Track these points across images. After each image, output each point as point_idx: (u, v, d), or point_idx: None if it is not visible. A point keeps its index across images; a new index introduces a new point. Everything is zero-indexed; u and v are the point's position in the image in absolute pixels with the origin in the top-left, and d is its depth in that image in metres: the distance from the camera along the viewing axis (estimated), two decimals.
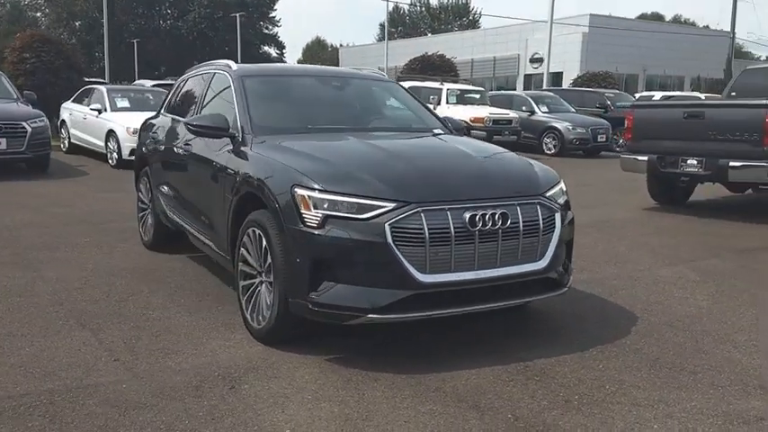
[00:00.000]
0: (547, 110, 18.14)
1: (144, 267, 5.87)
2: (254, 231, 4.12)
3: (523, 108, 18.17)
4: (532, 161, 4.53)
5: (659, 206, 9.54)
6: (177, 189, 5.71)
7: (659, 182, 9.39)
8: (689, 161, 8.55)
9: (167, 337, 4.21)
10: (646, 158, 8.94)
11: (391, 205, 3.62)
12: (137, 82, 23.68)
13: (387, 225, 3.58)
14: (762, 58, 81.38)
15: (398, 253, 3.58)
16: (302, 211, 3.72)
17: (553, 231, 4.04)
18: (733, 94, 10.32)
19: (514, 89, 39.43)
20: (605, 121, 17.75)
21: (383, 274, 3.63)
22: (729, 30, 45.81)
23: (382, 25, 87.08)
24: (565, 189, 4.33)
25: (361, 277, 3.65)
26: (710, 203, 10.07)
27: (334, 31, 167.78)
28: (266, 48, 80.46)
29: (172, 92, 6.70)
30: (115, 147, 12.53)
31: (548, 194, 4.11)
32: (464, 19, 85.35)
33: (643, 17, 74.19)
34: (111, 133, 12.67)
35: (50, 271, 5.66)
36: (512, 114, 17.27)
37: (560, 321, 4.51)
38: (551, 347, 4.04)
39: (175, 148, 5.69)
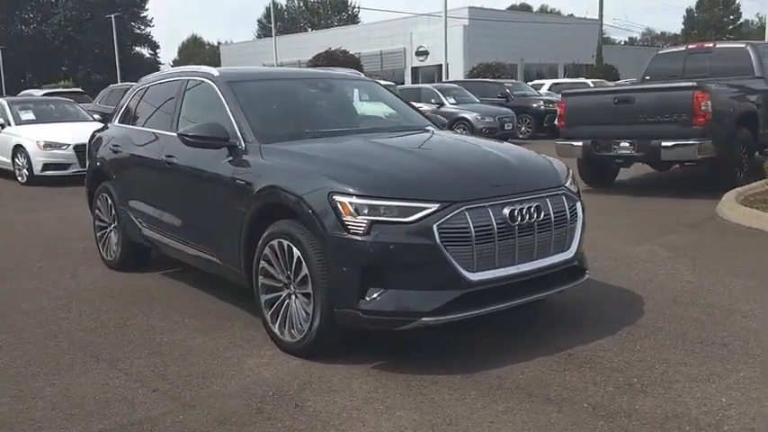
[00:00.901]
0: (454, 101, 18.56)
1: (121, 289, 5.54)
2: (280, 243, 3.98)
3: (432, 100, 18.48)
4: (540, 153, 4.64)
5: (591, 188, 9.99)
6: (157, 204, 5.40)
7: (592, 165, 9.84)
8: (622, 144, 9.02)
9: (195, 361, 4.00)
10: (581, 144, 9.34)
11: (435, 206, 3.61)
12: (24, 92, 22.04)
13: (435, 226, 3.56)
14: (621, 43, 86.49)
15: (447, 253, 3.58)
16: (345, 219, 3.63)
17: (576, 220, 4.16)
18: (647, 78, 10.97)
19: (402, 83, 40.02)
20: (510, 110, 18.38)
21: (433, 276, 3.62)
22: (597, 17, 48.53)
23: (260, 21, 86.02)
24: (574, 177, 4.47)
25: (411, 281, 3.62)
26: (634, 182, 10.67)
27: (210, 29, 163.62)
28: (139, 48, 77.42)
29: (125, 102, 6.32)
30: (25, 162, 11.68)
31: (567, 184, 4.23)
32: (343, 14, 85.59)
33: (513, 8, 77.26)
34: (18, 148, 11.79)
35: (22, 302, 5.22)
36: (424, 107, 17.52)
37: (577, 307, 4.65)
38: (582, 334, 4.16)
39: (152, 161, 5.38)
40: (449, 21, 46.51)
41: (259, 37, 78.29)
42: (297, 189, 3.89)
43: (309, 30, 74.76)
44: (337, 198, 3.68)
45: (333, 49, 31.31)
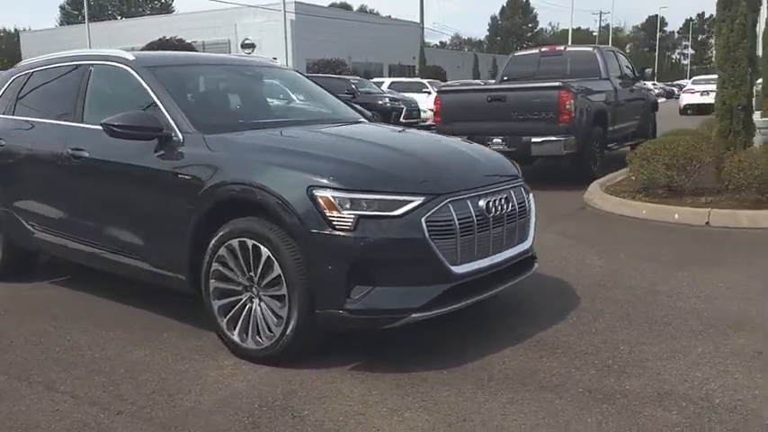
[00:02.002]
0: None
1: (11, 301, 4.85)
2: (242, 243, 3.69)
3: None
4: None
5: None
6: (58, 203, 4.78)
7: None
8: (495, 140, 9.41)
9: (148, 377, 3.60)
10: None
11: (421, 199, 3.52)
12: None
13: (423, 220, 3.48)
14: (435, 46, 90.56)
15: (435, 247, 3.51)
16: (328, 214, 3.44)
17: (531, 211, 4.27)
18: (505, 78, 11.55)
19: None
20: (362, 108, 18.50)
21: (421, 271, 3.54)
22: (419, 20, 50.46)
23: (63, 8, 79.60)
24: None
25: (399, 277, 3.51)
26: None
27: (4, 15, 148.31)
28: None
29: (2, 91, 5.52)
30: None
31: (520, 177, 4.33)
32: (156, 2, 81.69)
33: (333, 6, 78.17)
34: None
35: None
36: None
37: (519, 296, 4.76)
38: (535, 321, 4.28)
39: (50, 156, 4.75)
40: (275, 14, 46.04)
41: (62, 24, 72.44)
42: (267, 183, 3.60)
43: (119, 18, 70.54)
44: (318, 192, 3.47)
45: (168, 37, 29.70)
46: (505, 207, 3.91)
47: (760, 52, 11.35)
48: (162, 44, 28.84)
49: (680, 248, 6.08)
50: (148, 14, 68.79)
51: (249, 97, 5.07)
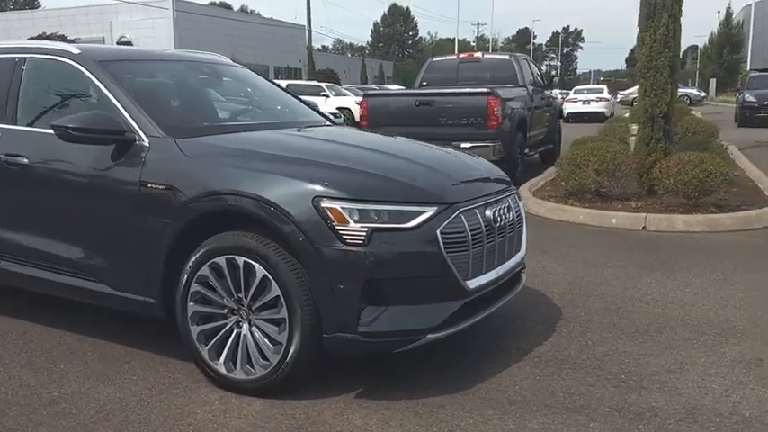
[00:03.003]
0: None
1: None
2: (231, 261, 3.28)
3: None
4: None
5: None
6: None
7: None
8: None
9: (128, 418, 3.13)
10: None
11: (434, 209, 3.26)
12: None
13: (438, 232, 3.21)
14: (319, 48, 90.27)
15: (450, 261, 3.26)
16: (338, 227, 3.10)
17: (524, 219, 4.10)
18: (424, 84, 11.46)
19: None
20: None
21: (436, 288, 3.28)
22: (304, 23, 49.96)
23: None
24: None
25: (413, 295, 3.23)
26: None
27: None
28: None
29: None
30: None
31: (513, 185, 4.16)
32: None
33: (213, 5, 76.09)
34: None
35: None
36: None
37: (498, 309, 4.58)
38: (526, 335, 4.13)
39: None
40: (153, 11, 44.16)
41: None
42: (263, 194, 3.21)
43: None
44: (325, 204, 3.13)
45: (48, 33, 27.58)
46: (507, 216, 3.72)
47: None
48: (41, 39, 26.69)
49: (630, 254, 6.14)
50: (11, 9, 64.23)
51: (213, 97, 4.60)
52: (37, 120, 4.03)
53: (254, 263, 3.23)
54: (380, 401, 3.27)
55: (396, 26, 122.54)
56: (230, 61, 5.10)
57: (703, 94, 49.80)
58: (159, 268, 3.50)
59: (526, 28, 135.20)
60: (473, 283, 3.39)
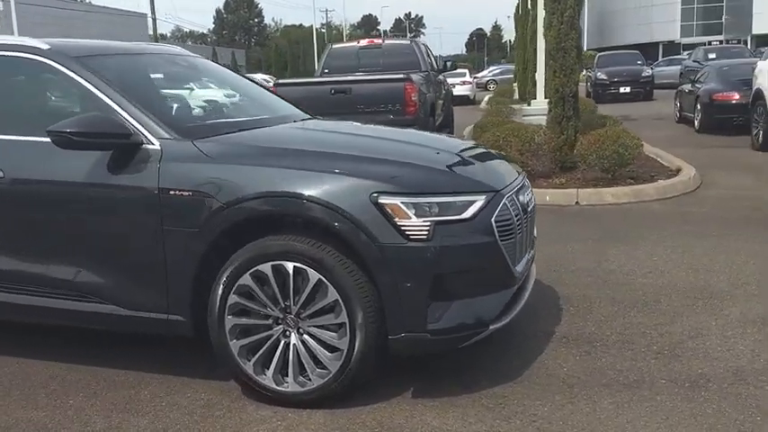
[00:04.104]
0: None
1: None
2: (277, 267, 3.05)
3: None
4: None
5: None
6: None
7: None
8: None
9: None
10: None
11: (483, 197, 3.18)
12: None
13: (492, 221, 3.16)
14: (160, 36, 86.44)
15: (504, 249, 3.22)
16: (400, 224, 2.97)
17: None
18: (326, 71, 11.25)
19: None
20: None
21: (493, 277, 3.23)
22: (147, 11, 47.62)
23: None
24: None
25: (473, 287, 3.15)
26: None
27: None
28: None
29: None
30: None
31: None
32: None
33: None
34: None
35: None
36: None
37: None
38: (537, 315, 4.17)
39: None
40: None
41: None
42: (315, 193, 3.00)
43: None
44: (384, 199, 2.98)
45: None
46: (532, 200, 3.74)
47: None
48: None
49: (579, 228, 6.38)
50: None
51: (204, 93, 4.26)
52: (8, 127, 3.53)
53: (306, 267, 3.03)
54: (442, 399, 3.18)
55: (239, 12, 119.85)
56: (191, 53, 4.71)
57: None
58: (187, 283, 3.20)
59: (370, 14, 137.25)
60: (518, 269, 3.37)
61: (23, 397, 3.36)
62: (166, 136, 3.28)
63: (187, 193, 3.15)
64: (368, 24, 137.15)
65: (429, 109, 9.91)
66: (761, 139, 10.66)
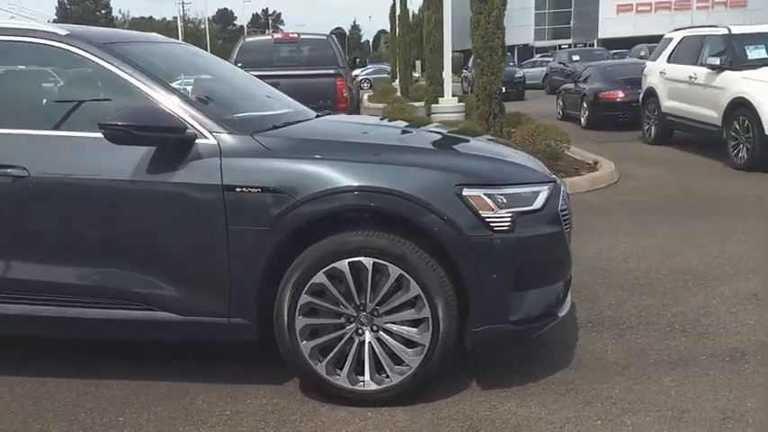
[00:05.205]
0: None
1: None
2: (354, 263, 2.97)
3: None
4: None
5: None
6: None
7: None
8: None
9: None
10: None
11: (547, 187, 3.24)
12: None
13: (558, 210, 3.25)
14: None
15: (567, 238, 3.32)
16: (484, 215, 2.97)
17: None
18: (239, 65, 10.87)
19: None
20: None
21: (559, 266, 3.31)
22: None
23: None
24: None
25: (543, 277, 3.22)
26: None
27: None
28: None
29: None
30: None
31: None
32: None
33: None
34: None
35: None
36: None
37: None
38: None
39: None
40: None
41: None
42: (398, 187, 2.93)
43: None
44: (468, 192, 2.97)
45: None
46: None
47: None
48: None
49: None
50: None
51: (225, 85, 4.01)
52: (30, 121, 3.17)
53: (386, 263, 2.96)
54: (511, 388, 3.20)
55: (85, 3, 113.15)
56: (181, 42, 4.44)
57: (417, 74, 53.98)
58: (253, 284, 3.03)
59: (226, 8, 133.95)
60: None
61: (62, 418, 3.04)
62: (219, 130, 3.09)
63: (256, 190, 2.98)
64: (224, 19, 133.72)
65: (356, 105, 9.91)
66: (653, 133, 11.54)
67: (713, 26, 10.35)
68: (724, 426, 2.85)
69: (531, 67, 33.84)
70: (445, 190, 2.96)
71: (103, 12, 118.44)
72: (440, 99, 12.61)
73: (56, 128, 3.15)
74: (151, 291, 3.09)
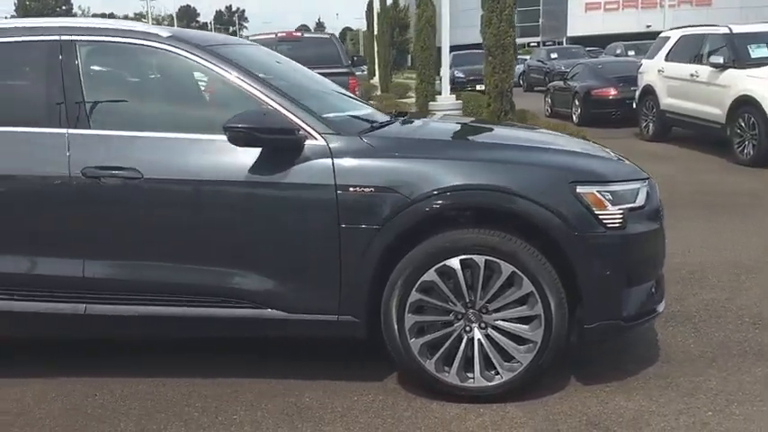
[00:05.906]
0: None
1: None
2: (465, 261, 3.00)
3: None
4: None
5: None
6: (53, 248, 3.13)
7: None
8: None
9: None
10: None
11: (645, 184, 3.30)
12: None
13: (658, 207, 3.33)
14: None
15: (664, 233, 3.38)
16: (598, 213, 3.01)
17: None
18: None
19: None
20: None
21: (657, 261, 3.36)
22: None
23: None
24: None
25: (643, 273, 3.27)
26: None
27: None
28: None
29: None
30: None
31: None
32: None
33: None
34: None
35: None
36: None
37: None
38: None
39: (41, 183, 3.08)
40: None
41: None
42: (513, 185, 2.96)
43: None
44: (582, 189, 3.01)
45: None
46: None
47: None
48: None
49: None
50: None
51: (310, 86, 4.01)
52: (139, 123, 3.15)
53: (498, 260, 2.99)
54: (612, 383, 3.22)
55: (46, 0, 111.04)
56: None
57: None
58: (364, 282, 3.04)
59: (188, 5, 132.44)
60: None
61: (176, 418, 3.01)
62: (327, 131, 3.10)
63: (369, 190, 2.99)
64: (187, 15, 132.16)
65: None
66: (651, 130, 11.73)
67: (713, 25, 10.57)
68: None
69: None
70: (560, 188, 3.00)
71: (63, 8, 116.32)
72: (437, 97, 12.67)
73: (166, 130, 3.14)
74: (259, 288, 3.09)
